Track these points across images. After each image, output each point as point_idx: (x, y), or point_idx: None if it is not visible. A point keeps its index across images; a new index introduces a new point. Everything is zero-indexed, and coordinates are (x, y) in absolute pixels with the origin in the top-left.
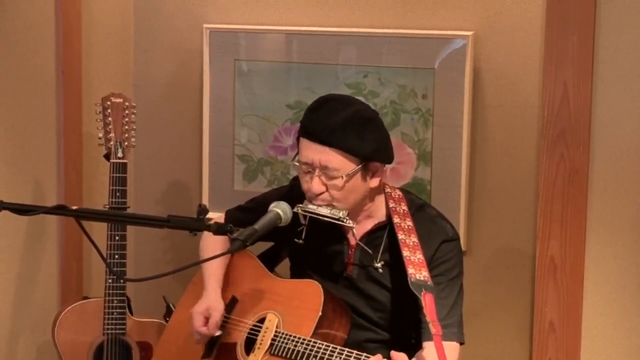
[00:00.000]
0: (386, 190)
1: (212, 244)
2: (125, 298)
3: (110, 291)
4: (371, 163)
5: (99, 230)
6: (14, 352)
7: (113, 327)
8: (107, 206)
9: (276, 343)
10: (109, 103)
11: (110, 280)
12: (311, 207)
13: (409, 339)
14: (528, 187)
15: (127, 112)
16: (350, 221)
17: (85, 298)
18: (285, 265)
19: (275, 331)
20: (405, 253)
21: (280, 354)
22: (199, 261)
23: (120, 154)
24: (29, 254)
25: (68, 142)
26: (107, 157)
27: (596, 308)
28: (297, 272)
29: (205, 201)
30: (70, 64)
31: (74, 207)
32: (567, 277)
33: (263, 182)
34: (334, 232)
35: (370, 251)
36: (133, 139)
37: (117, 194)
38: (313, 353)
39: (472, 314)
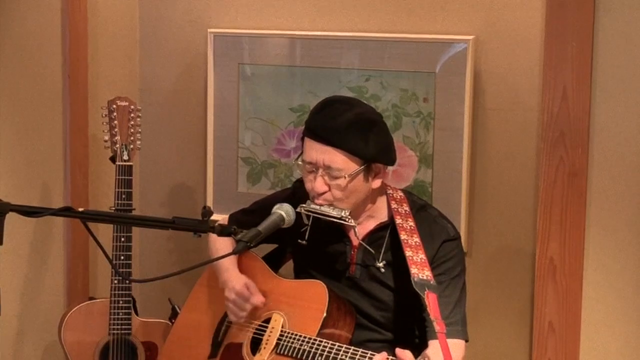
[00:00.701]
0: (388, 192)
1: (220, 243)
2: (130, 298)
3: (116, 292)
4: (374, 164)
5: (105, 232)
6: (20, 352)
7: (119, 327)
8: (113, 208)
9: (282, 342)
10: (114, 106)
11: (115, 281)
12: (314, 207)
13: (412, 338)
14: (528, 189)
15: (132, 115)
16: (352, 220)
17: (91, 299)
18: (289, 265)
19: (281, 331)
20: (408, 253)
21: (286, 353)
22: (203, 262)
23: (126, 157)
24: (36, 255)
25: (74, 144)
26: (113, 159)
27: (595, 308)
28: (300, 273)
29: (209, 203)
30: (76, 68)
31: (81, 209)
32: (566, 278)
33: (267, 185)
34: (337, 232)
35: (372, 251)
36: (138, 142)
37: (123, 196)
38: (319, 352)
39: (472, 314)
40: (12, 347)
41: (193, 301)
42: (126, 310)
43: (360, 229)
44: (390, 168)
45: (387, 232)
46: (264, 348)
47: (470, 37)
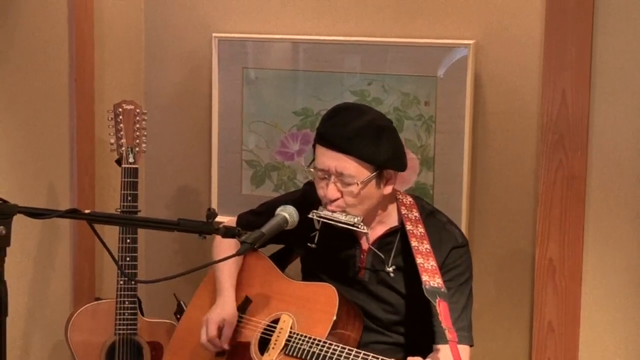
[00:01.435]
0: (398, 197)
1: (224, 246)
2: (136, 299)
3: (122, 292)
4: (385, 170)
5: (111, 234)
6: (27, 352)
7: (124, 327)
8: (119, 210)
9: (291, 343)
10: (120, 110)
11: (121, 282)
12: (326, 213)
13: (419, 341)
14: (528, 191)
15: (138, 118)
16: (365, 227)
17: (98, 299)
18: (295, 266)
19: (290, 332)
20: (419, 260)
21: (294, 354)
22: (207, 263)
23: (131, 159)
24: (43, 257)
25: (81, 147)
26: (118, 162)
27: (594, 309)
28: (309, 275)
29: (214, 205)
30: (83, 72)
31: (87, 211)
32: (565, 278)
33: (270, 187)
34: (347, 236)
35: (382, 255)
36: (144, 145)
37: (129, 198)
38: (328, 354)
39: (473, 315)
40: (20, 347)
41: (199, 299)
42: (132, 311)
43: (371, 234)
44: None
45: (396, 237)
46: (273, 348)
47: (471, 42)
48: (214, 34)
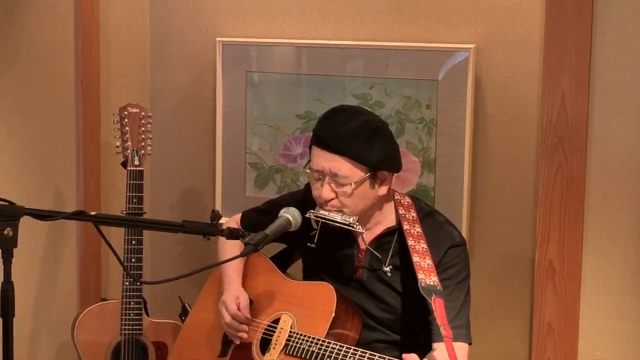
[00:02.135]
0: (395, 197)
1: (229, 246)
2: (141, 300)
3: (127, 293)
4: (380, 171)
5: (117, 235)
6: (34, 352)
7: (130, 327)
8: (125, 212)
9: (291, 343)
10: (126, 113)
11: (127, 283)
12: (322, 213)
13: (417, 339)
14: (528, 193)
15: (143, 121)
16: (360, 227)
17: (103, 300)
18: (297, 266)
19: (290, 331)
20: (415, 259)
21: (295, 353)
22: (212, 265)
23: (137, 162)
24: (50, 258)
25: (87, 150)
26: (124, 164)
27: (593, 309)
28: (309, 274)
29: (218, 207)
30: (89, 75)
31: (93, 213)
32: (565, 279)
33: (274, 189)
34: (345, 236)
35: (379, 255)
36: (149, 148)
37: (134, 200)
38: (327, 353)
39: (474, 315)
40: (27, 347)
41: (203, 300)
42: (137, 311)
43: (368, 234)
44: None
45: (394, 237)
46: (273, 348)
47: (472, 46)
48: (218, 39)
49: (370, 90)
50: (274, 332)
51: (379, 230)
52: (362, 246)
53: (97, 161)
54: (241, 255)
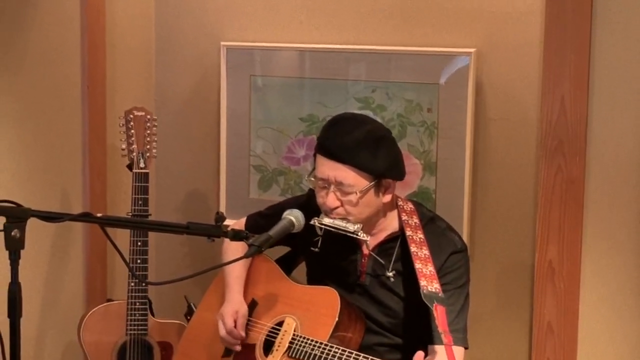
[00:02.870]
0: (399, 203)
1: (233, 247)
2: (147, 300)
3: (133, 294)
4: (384, 180)
5: (122, 237)
6: (41, 352)
7: (135, 327)
8: (130, 214)
9: (294, 346)
10: (131, 116)
11: (132, 284)
12: (327, 221)
13: (418, 343)
14: (527, 196)
15: (148, 124)
16: (364, 234)
17: (109, 300)
18: (301, 270)
19: (293, 334)
20: (418, 265)
21: (297, 356)
22: (216, 266)
23: (142, 165)
24: (56, 259)
25: (93, 153)
26: (129, 167)
27: (592, 310)
28: (313, 278)
29: (222, 209)
30: (95, 79)
31: (99, 215)
32: (564, 280)
33: (277, 191)
34: (348, 242)
35: (382, 261)
36: (154, 150)
37: (140, 202)
38: (330, 357)
39: (474, 316)
40: (34, 347)
41: (208, 301)
42: (143, 312)
43: (372, 240)
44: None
45: (397, 243)
46: (276, 350)
47: (473, 50)
48: (222, 43)
49: (373, 93)
50: (277, 334)
51: (382, 236)
52: (366, 252)
53: (103, 164)
54: (245, 256)
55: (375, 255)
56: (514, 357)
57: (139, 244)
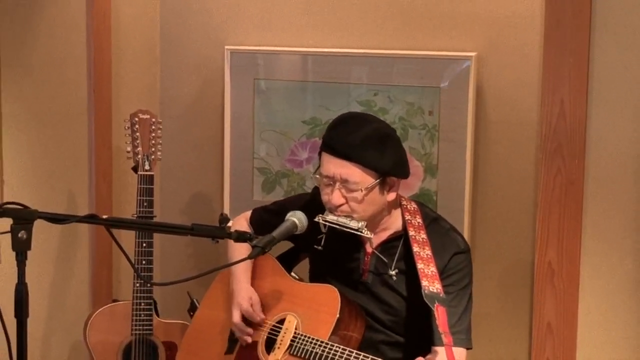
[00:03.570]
0: (402, 203)
1: (238, 247)
2: (152, 301)
3: (138, 294)
4: (389, 178)
5: (128, 238)
6: (48, 352)
7: (140, 328)
8: (135, 215)
9: (295, 344)
10: (136, 119)
11: (138, 284)
12: (331, 218)
13: (419, 341)
14: (527, 197)
15: (153, 127)
16: (368, 232)
17: (115, 301)
18: (303, 267)
19: (295, 332)
20: (420, 265)
21: (298, 354)
22: (220, 267)
23: (147, 167)
24: (63, 260)
25: (99, 155)
26: (135, 169)
27: (591, 310)
28: (316, 276)
29: (226, 211)
30: (101, 83)
31: (105, 216)
32: (563, 281)
33: (280, 193)
34: (352, 240)
35: (385, 259)
36: (159, 153)
37: (145, 204)
38: (330, 355)
39: (475, 316)
40: (40, 347)
41: (211, 298)
42: (148, 312)
43: (375, 238)
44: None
45: (400, 242)
46: (278, 348)
47: (473, 54)
48: (226, 47)
49: (375, 97)
50: (279, 332)
51: (385, 235)
52: (369, 250)
53: (108, 166)
54: (249, 257)
55: (378, 254)
56: (514, 357)
57: (144, 245)
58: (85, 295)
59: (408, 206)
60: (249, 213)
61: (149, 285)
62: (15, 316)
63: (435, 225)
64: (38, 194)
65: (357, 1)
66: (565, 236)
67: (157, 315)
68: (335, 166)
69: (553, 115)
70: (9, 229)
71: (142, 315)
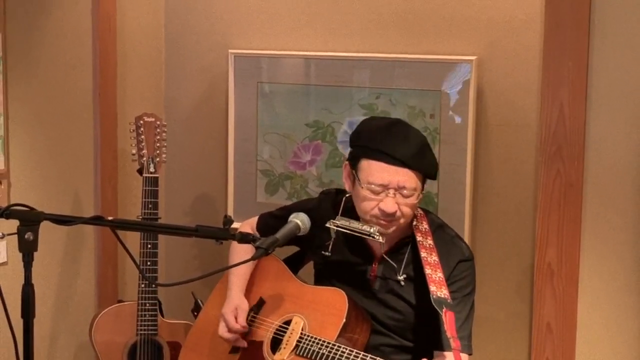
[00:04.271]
0: None
1: (241, 249)
2: (156, 301)
3: (143, 295)
4: (425, 182)
5: (133, 239)
6: (54, 352)
7: (146, 328)
8: (140, 217)
9: (301, 344)
10: (142, 122)
11: (143, 285)
12: (343, 222)
13: (424, 344)
14: (527, 199)
15: (158, 130)
16: (381, 237)
17: (120, 301)
18: (307, 270)
19: (301, 333)
20: (427, 271)
21: (304, 355)
22: (224, 267)
23: (152, 169)
24: (69, 261)
25: (104, 158)
26: (140, 171)
27: (590, 311)
28: (322, 280)
29: (230, 212)
30: (106, 86)
31: (110, 218)
32: (563, 282)
33: (283, 195)
34: (360, 245)
35: (394, 265)
36: (164, 155)
37: (150, 205)
38: (337, 357)
39: (475, 317)
40: (47, 347)
41: (215, 298)
42: (153, 312)
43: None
44: None
45: (408, 248)
46: (284, 348)
47: (474, 58)
48: (230, 50)
49: (377, 100)
50: (285, 332)
51: (394, 240)
52: (377, 255)
53: (114, 168)
54: (252, 258)
55: (387, 258)
56: (514, 357)
57: (149, 246)
58: (91, 296)
59: (415, 212)
60: (254, 219)
61: (153, 285)
62: (22, 316)
63: (441, 232)
64: (44, 196)
65: (360, 6)
66: (564, 237)
67: (162, 316)
68: (390, 174)
69: (552, 118)
70: (15, 230)
71: (147, 316)
